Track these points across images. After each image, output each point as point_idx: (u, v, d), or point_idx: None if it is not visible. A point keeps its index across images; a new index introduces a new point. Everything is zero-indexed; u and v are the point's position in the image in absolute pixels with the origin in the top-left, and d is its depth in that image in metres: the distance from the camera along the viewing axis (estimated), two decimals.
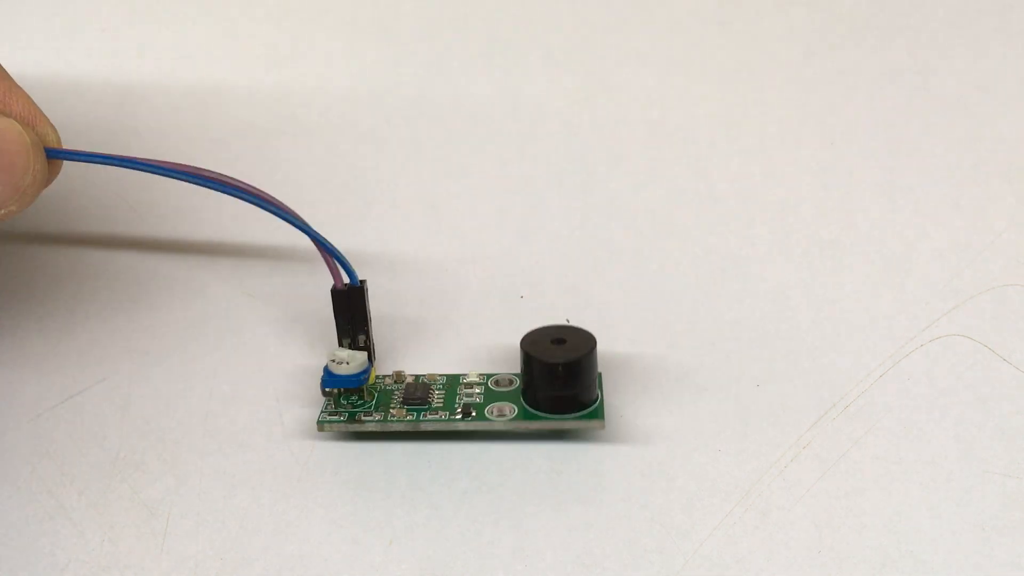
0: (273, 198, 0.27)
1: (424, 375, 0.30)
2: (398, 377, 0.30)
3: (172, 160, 0.27)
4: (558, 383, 0.28)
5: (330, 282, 0.29)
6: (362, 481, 0.28)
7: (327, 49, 0.41)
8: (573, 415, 0.29)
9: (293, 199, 0.35)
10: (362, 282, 0.29)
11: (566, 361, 0.28)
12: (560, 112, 0.38)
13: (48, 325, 0.32)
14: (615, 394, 0.30)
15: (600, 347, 0.32)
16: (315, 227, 0.28)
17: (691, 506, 0.28)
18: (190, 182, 0.27)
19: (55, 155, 0.27)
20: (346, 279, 0.29)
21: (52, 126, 0.29)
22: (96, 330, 0.32)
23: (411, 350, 0.32)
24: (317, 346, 0.32)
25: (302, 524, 0.28)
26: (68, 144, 0.28)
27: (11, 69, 0.29)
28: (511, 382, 0.30)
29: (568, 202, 0.35)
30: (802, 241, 0.34)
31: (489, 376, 0.30)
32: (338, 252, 0.28)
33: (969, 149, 0.37)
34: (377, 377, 0.30)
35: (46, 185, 0.27)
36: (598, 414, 0.29)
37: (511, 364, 0.31)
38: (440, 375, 0.30)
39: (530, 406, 0.29)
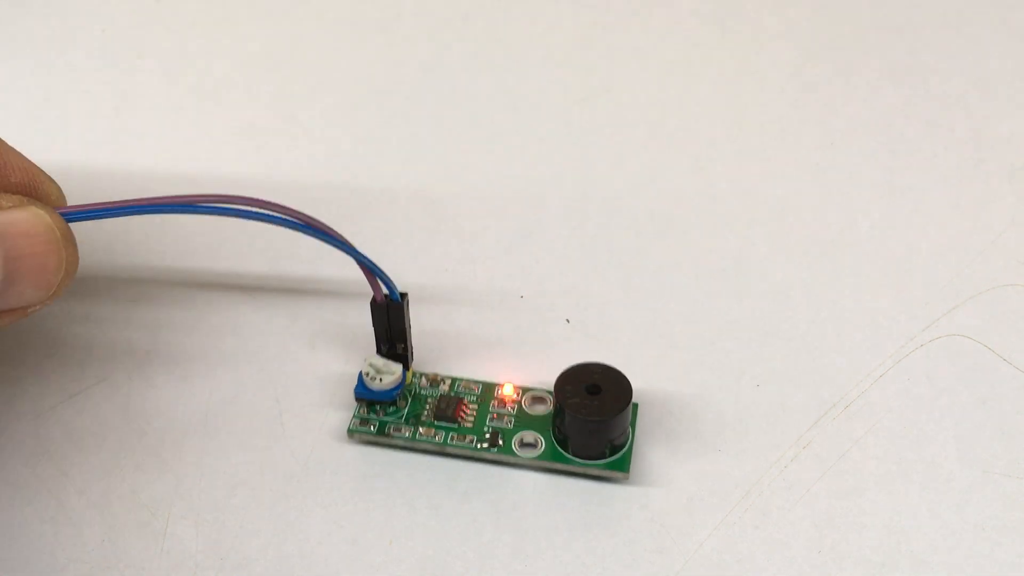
0: (310, 218, 0.27)
1: (460, 380, 0.30)
2: (433, 380, 0.30)
3: (188, 194, 0.26)
4: (588, 436, 0.28)
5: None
6: (362, 481, 0.29)
7: (327, 47, 0.41)
8: (599, 462, 0.28)
9: (293, 199, 0.36)
10: (403, 295, 0.29)
11: (597, 419, 0.27)
12: (560, 112, 0.38)
13: (48, 325, 0.32)
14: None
15: (599, 347, 0.32)
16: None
17: (691, 506, 0.28)
18: (217, 215, 0.27)
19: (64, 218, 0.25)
20: (385, 291, 0.28)
21: (53, 182, 0.27)
22: (96, 330, 0.32)
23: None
24: (317, 345, 0.32)
25: (302, 524, 0.28)
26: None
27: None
28: (545, 402, 0.29)
29: (568, 202, 0.36)
30: (802, 241, 0.34)
31: (524, 391, 0.30)
32: (379, 269, 0.28)
33: (969, 149, 0.37)
34: (414, 375, 0.30)
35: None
36: (623, 466, 0.28)
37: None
38: (476, 382, 0.30)
39: (559, 443, 0.28)
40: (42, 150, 0.37)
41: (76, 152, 0.37)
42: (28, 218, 0.24)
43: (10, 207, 0.24)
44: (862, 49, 0.41)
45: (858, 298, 0.33)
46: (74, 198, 0.36)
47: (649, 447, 0.29)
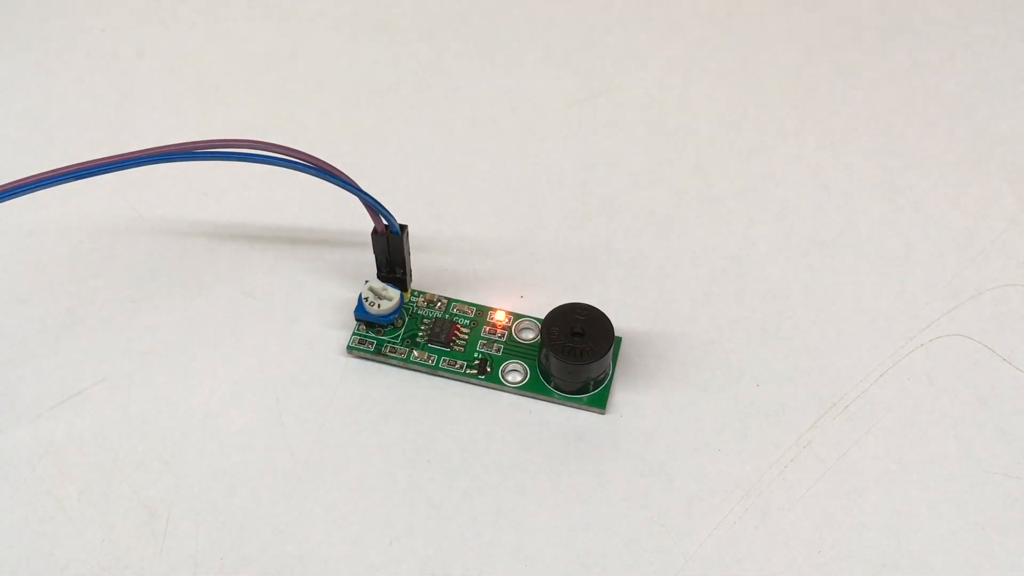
0: (314, 158, 0.28)
1: (455, 301, 0.32)
2: (430, 300, 0.32)
3: (187, 141, 0.27)
4: (568, 375, 0.29)
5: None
6: (362, 481, 0.29)
7: (327, 47, 0.41)
8: (578, 397, 0.30)
9: (295, 198, 0.36)
10: (403, 227, 0.30)
11: (577, 363, 0.29)
12: (560, 112, 0.38)
13: (48, 325, 0.32)
14: (615, 394, 0.30)
15: None
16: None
17: (691, 506, 0.28)
18: (220, 159, 0.27)
19: None
20: (386, 223, 0.30)
21: None
22: (96, 330, 0.32)
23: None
24: (317, 346, 0.32)
25: (302, 524, 0.28)
26: None
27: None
28: (535, 331, 0.31)
29: (568, 202, 0.36)
30: (802, 241, 0.34)
31: (516, 318, 0.31)
32: (380, 205, 0.29)
33: (969, 149, 0.37)
34: (412, 294, 0.32)
35: None
36: (600, 403, 0.30)
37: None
38: (471, 305, 0.31)
39: (542, 375, 0.30)
40: (42, 150, 0.37)
41: (76, 152, 0.37)
42: None
43: None
44: (862, 49, 0.41)
45: (858, 298, 0.33)
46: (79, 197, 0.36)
47: (649, 446, 0.29)
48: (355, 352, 0.31)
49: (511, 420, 0.30)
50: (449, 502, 0.28)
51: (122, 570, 0.27)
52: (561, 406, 0.30)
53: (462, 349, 0.31)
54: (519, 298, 0.32)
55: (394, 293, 0.30)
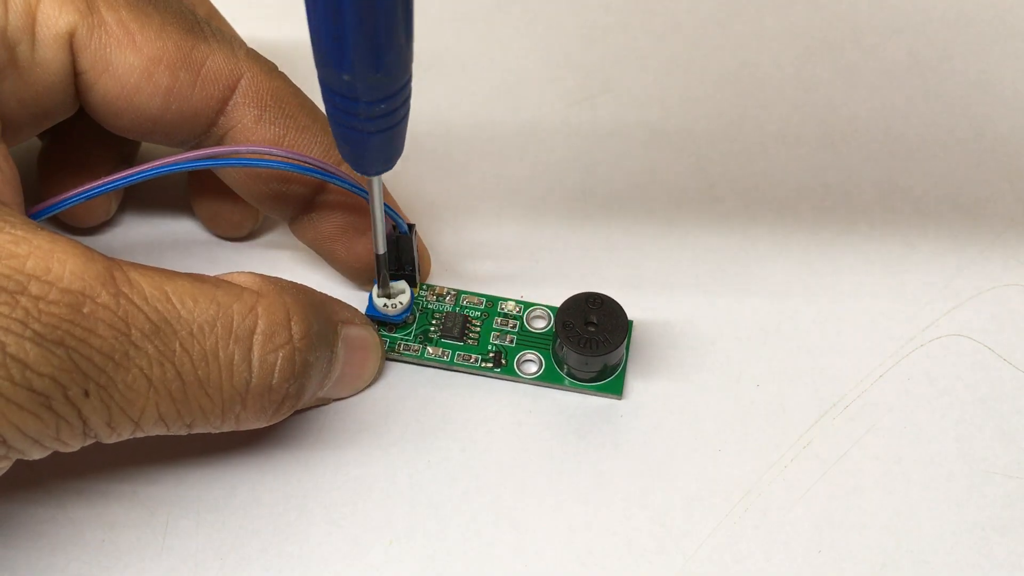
0: (322, 162, 0.28)
1: (465, 293, 0.32)
2: (440, 293, 0.32)
3: (191, 153, 0.28)
4: (583, 366, 0.29)
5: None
6: (362, 481, 0.29)
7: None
8: (593, 384, 0.30)
9: None
10: (411, 226, 0.30)
11: (591, 355, 0.29)
12: (560, 112, 0.38)
13: None
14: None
15: None
16: None
17: (691, 506, 0.28)
18: (229, 166, 0.29)
19: (41, 214, 0.27)
20: (393, 223, 0.30)
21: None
22: None
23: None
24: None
25: (302, 524, 0.28)
26: None
27: None
28: (546, 320, 0.31)
29: (567, 202, 0.36)
30: (802, 241, 0.34)
31: (527, 308, 0.31)
32: (387, 206, 0.29)
33: (969, 149, 0.37)
34: (422, 288, 0.32)
35: None
36: (616, 389, 0.30)
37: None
38: (481, 296, 0.31)
39: (557, 363, 0.30)
40: None
41: None
42: (366, 336, 0.29)
43: (355, 322, 0.28)
44: (862, 49, 0.41)
45: (858, 298, 0.33)
46: None
47: (649, 446, 0.29)
48: None
49: (511, 420, 0.30)
50: (449, 502, 0.28)
51: (122, 570, 0.27)
52: (574, 393, 0.30)
53: (475, 342, 0.31)
54: (519, 297, 0.32)
55: (405, 290, 0.30)
